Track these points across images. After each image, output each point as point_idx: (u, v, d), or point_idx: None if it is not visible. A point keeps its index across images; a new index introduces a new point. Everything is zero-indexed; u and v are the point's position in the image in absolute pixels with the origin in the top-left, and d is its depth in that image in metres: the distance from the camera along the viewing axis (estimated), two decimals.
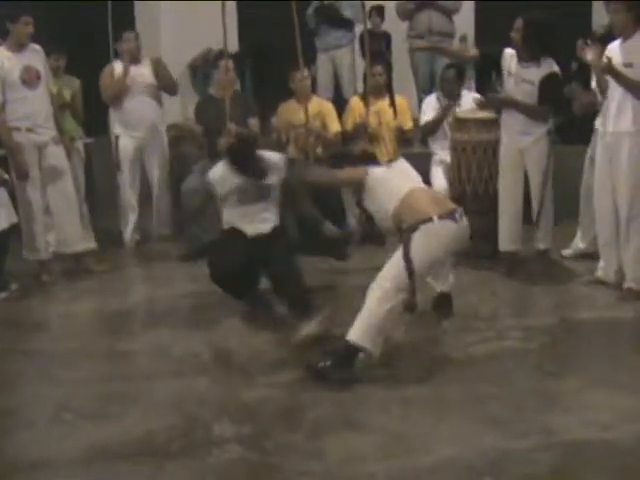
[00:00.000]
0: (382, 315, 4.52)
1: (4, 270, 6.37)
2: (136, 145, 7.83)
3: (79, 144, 7.56)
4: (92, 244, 7.34)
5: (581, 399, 4.29)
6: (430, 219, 4.63)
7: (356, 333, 4.53)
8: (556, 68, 6.47)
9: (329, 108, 7.88)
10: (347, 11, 8.92)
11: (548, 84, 6.41)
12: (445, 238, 4.70)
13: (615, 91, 5.79)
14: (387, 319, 4.54)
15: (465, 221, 4.79)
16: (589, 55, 6.25)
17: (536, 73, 6.42)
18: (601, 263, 6.21)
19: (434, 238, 4.65)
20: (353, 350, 4.54)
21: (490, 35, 9.83)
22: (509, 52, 6.54)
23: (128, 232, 7.94)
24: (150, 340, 5.39)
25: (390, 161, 7.66)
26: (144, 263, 7.39)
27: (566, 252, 6.99)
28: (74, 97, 7.56)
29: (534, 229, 6.78)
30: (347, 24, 9.10)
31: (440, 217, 4.64)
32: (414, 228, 4.62)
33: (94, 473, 3.71)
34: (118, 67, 7.77)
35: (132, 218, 7.95)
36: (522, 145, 6.56)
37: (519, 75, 6.47)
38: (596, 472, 3.64)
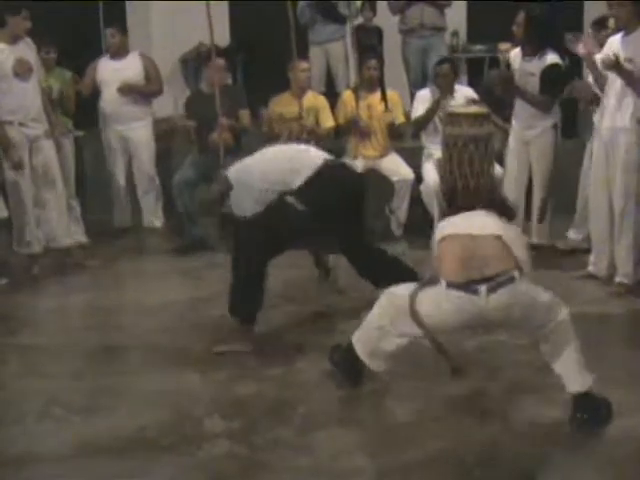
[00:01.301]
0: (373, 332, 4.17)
1: None
2: (118, 138, 7.87)
3: (69, 137, 7.54)
4: (82, 238, 7.35)
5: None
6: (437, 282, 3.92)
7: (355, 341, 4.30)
8: (556, 58, 6.54)
9: (323, 102, 7.87)
10: (345, 10, 8.89)
11: (548, 74, 6.49)
12: (449, 309, 3.86)
13: (613, 86, 5.78)
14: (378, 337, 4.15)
15: (494, 298, 3.81)
16: (581, 49, 6.22)
17: (538, 65, 6.53)
18: (592, 257, 6.21)
19: (439, 302, 3.91)
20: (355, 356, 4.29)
21: (482, 30, 9.89)
22: (515, 52, 6.69)
23: (115, 221, 8.09)
24: (140, 335, 5.38)
25: (381, 156, 7.75)
26: (135, 257, 7.37)
27: (560, 244, 6.99)
28: (67, 89, 7.53)
29: (530, 222, 6.79)
30: (340, 18, 9.09)
31: (450, 285, 3.85)
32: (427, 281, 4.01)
33: (84, 468, 3.70)
34: (103, 64, 7.84)
35: (118, 208, 8.02)
36: (527, 138, 6.67)
37: (523, 69, 6.59)
38: (586, 466, 3.65)
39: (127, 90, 7.77)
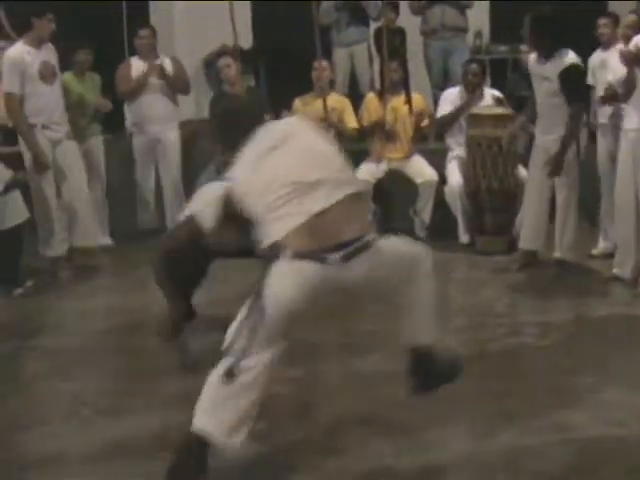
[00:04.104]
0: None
1: (20, 266, 6.40)
2: (149, 140, 7.87)
3: (99, 140, 7.61)
4: (107, 240, 7.40)
5: (596, 396, 4.28)
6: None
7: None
8: (574, 58, 6.16)
9: (346, 103, 7.91)
10: (372, 12, 8.88)
11: (568, 78, 6.10)
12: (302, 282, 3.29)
13: (637, 87, 5.72)
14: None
15: (349, 267, 3.30)
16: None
17: (552, 69, 6.15)
18: (617, 260, 6.17)
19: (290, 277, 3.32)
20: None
21: (505, 31, 9.84)
22: (532, 56, 6.39)
23: (140, 223, 8.08)
24: None
25: (405, 158, 7.75)
26: None
27: (595, 251, 6.87)
28: (97, 93, 7.57)
29: (554, 235, 6.54)
30: (365, 20, 9.08)
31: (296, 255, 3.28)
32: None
33: (109, 468, 3.72)
34: (135, 63, 7.81)
35: (144, 211, 8.03)
36: (548, 145, 6.32)
37: (539, 74, 6.28)
38: (610, 469, 3.62)
39: (160, 74, 7.74)
